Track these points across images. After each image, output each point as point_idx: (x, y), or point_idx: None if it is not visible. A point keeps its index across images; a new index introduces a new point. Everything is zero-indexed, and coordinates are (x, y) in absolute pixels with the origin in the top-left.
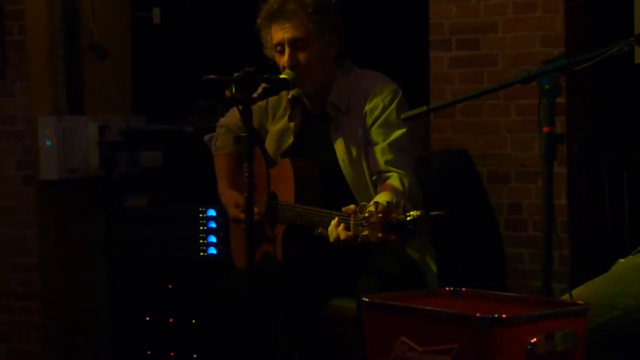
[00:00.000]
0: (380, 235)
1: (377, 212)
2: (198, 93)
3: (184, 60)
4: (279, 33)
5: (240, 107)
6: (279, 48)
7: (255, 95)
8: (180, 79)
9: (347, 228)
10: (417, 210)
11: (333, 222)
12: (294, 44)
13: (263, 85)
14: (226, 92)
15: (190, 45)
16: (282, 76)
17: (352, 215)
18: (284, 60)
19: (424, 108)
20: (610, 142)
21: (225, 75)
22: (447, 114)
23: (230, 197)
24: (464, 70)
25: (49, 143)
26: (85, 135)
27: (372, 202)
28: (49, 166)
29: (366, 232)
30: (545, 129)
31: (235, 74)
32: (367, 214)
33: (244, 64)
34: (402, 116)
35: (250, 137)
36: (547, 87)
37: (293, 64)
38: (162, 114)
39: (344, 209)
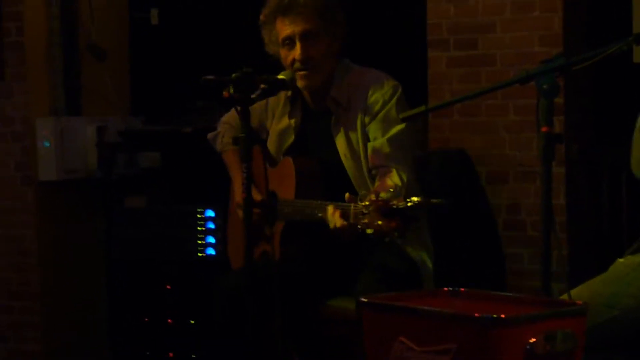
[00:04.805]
0: (380, 222)
1: (377, 199)
2: (196, 94)
3: (182, 61)
4: (289, 27)
5: (238, 107)
6: (287, 42)
7: (253, 95)
8: (178, 80)
9: (344, 216)
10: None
11: (330, 210)
12: (305, 37)
13: (262, 86)
14: (224, 92)
15: (188, 45)
16: (280, 76)
17: (352, 204)
18: (295, 53)
19: (422, 108)
20: (608, 142)
21: (223, 76)
22: (445, 114)
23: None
24: (462, 70)
25: (47, 144)
26: (84, 136)
27: (372, 192)
28: (47, 167)
29: (366, 220)
30: (543, 129)
31: (233, 75)
32: (367, 202)
33: (241, 65)
34: (400, 116)
35: (248, 138)
36: (545, 86)
37: (305, 58)
38: (160, 115)
39: (346, 196)
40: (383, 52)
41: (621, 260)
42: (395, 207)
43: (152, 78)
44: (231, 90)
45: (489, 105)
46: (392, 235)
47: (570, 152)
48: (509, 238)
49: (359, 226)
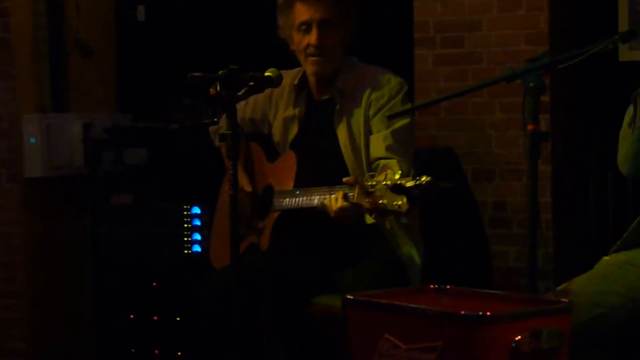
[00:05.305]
0: (385, 201)
1: (385, 179)
2: (183, 91)
3: (169, 58)
4: (307, 12)
5: (225, 105)
6: (303, 27)
7: (240, 93)
8: (164, 77)
9: (346, 198)
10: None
11: (329, 197)
12: (322, 24)
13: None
14: (211, 89)
15: (175, 42)
16: (266, 74)
17: (356, 185)
18: (311, 39)
19: (409, 105)
20: (595, 140)
21: (210, 73)
22: (431, 112)
23: (241, 178)
24: (449, 68)
25: (33, 141)
26: (70, 133)
27: (381, 173)
28: (33, 164)
29: (370, 199)
30: (529, 127)
31: (220, 72)
32: (374, 182)
33: (228, 62)
34: (385, 114)
35: (235, 135)
36: (531, 85)
37: (321, 44)
38: (147, 112)
39: (344, 179)
40: (370, 50)
41: (607, 258)
42: (403, 184)
43: (139, 75)
44: (218, 88)
45: (475, 103)
46: (397, 214)
47: (556, 150)
48: (495, 236)
49: (363, 206)
